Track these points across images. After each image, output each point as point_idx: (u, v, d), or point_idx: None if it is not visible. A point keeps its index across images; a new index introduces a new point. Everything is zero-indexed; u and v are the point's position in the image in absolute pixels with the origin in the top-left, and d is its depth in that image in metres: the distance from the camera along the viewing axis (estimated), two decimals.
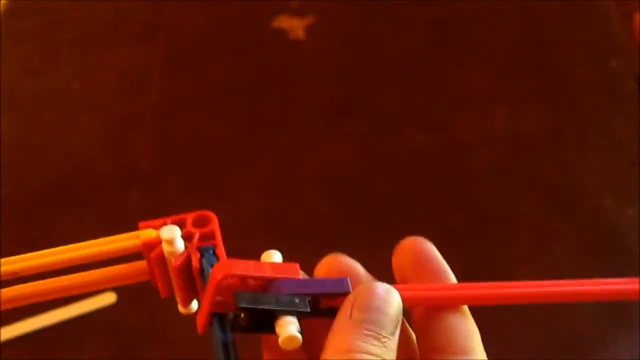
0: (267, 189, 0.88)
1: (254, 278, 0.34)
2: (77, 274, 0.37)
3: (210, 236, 0.37)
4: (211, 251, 0.37)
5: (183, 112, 0.95)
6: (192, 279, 0.36)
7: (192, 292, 0.36)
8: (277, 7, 1.07)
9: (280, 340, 0.32)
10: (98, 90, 0.99)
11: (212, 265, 0.35)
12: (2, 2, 1.09)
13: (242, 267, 0.34)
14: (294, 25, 1.06)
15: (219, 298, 0.34)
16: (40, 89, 1.00)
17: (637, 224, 0.83)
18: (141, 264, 0.38)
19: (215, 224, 0.38)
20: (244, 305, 0.32)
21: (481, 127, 0.94)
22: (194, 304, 0.37)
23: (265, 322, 0.33)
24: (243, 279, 0.34)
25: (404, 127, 0.94)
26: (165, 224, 0.37)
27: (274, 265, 0.36)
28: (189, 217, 0.38)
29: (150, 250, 0.37)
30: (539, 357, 0.72)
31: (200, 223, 0.38)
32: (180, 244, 0.36)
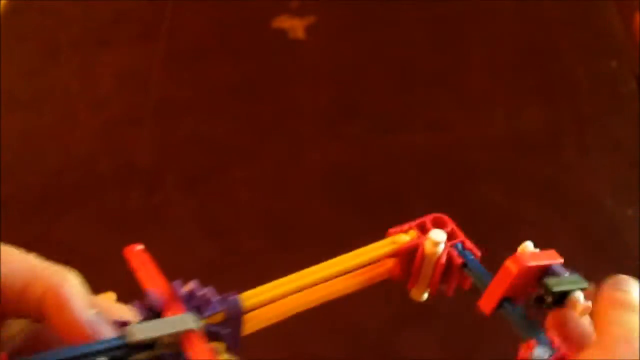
0: (267, 189, 0.88)
1: (539, 267, 0.42)
2: (330, 282, 0.43)
3: (453, 235, 0.45)
4: (461, 246, 0.45)
5: (183, 112, 0.95)
6: (448, 272, 0.44)
7: (442, 283, 0.44)
8: (277, 7, 1.08)
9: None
10: (98, 90, 0.99)
11: (470, 259, 0.44)
12: (2, 1, 1.09)
13: (530, 259, 0.42)
14: (294, 25, 1.06)
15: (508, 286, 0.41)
16: (40, 89, 1.00)
17: (637, 224, 0.83)
18: (382, 266, 0.45)
19: (453, 224, 0.46)
20: (557, 289, 0.41)
21: (481, 126, 0.94)
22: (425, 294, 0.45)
23: (560, 299, 0.41)
24: (529, 268, 0.41)
25: (404, 127, 0.94)
26: (410, 229, 0.45)
27: (540, 254, 0.43)
28: (428, 220, 0.45)
29: (409, 251, 0.44)
30: None
31: (439, 225, 0.45)
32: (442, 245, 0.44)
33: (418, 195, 0.87)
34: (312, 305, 0.43)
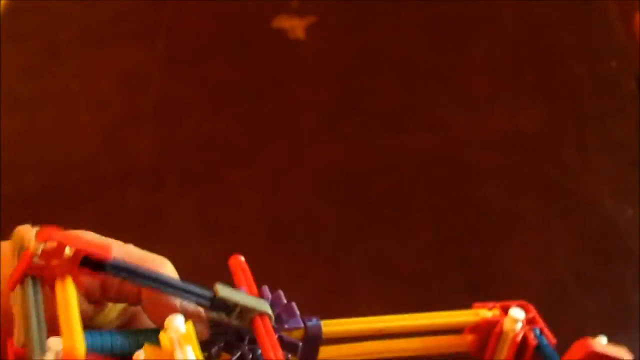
0: (267, 189, 0.88)
1: (606, 356, 0.45)
2: (408, 339, 0.46)
3: (534, 321, 0.48)
4: (538, 331, 0.47)
5: (183, 112, 0.95)
6: (521, 353, 0.47)
7: None
8: (277, 7, 1.08)
9: None
10: (98, 90, 0.99)
11: (544, 344, 0.47)
12: (2, 1, 1.09)
13: (598, 346, 0.45)
14: (294, 25, 1.06)
15: None
16: (40, 89, 1.00)
17: (637, 224, 0.83)
18: (462, 339, 0.48)
19: (535, 312, 0.48)
20: None
21: (481, 126, 0.94)
22: None
23: None
24: (595, 354, 0.44)
25: (404, 127, 0.94)
26: (494, 307, 0.48)
27: (609, 347, 0.46)
28: (512, 304, 0.48)
29: (489, 326, 0.47)
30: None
31: (523, 307, 0.48)
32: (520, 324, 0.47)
33: (418, 195, 0.87)
34: (386, 356, 0.45)
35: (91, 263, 0.37)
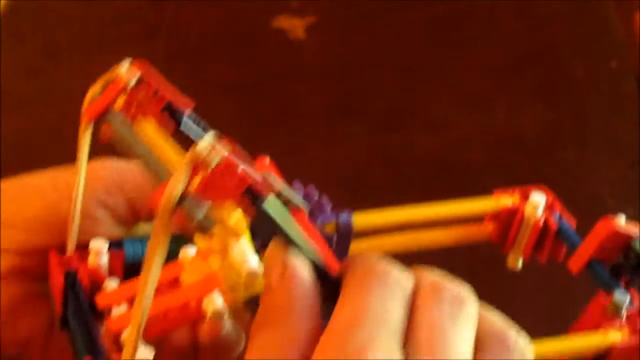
0: None
1: (627, 235, 0.46)
2: (431, 232, 0.47)
3: (553, 206, 0.48)
4: (558, 216, 0.48)
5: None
6: (543, 239, 0.47)
7: (535, 248, 0.47)
8: (277, 7, 1.08)
9: None
10: None
11: (566, 227, 0.47)
12: (2, 2, 1.09)
13: (621, 226, 0.46)
14: (294, 25, 1.06)
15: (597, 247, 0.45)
16: (40, 89, 1.00)
17: (637, 224, 0.83)
18: (483, 228, 0.48)
19: (553, 197, 0.49)
20: None
21: (481, 126, 0.94)
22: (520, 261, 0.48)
23: None
24: (617, 233, 0.45)
25: (404, 127, 0.94)
26: (514, 193, 0.48)
27: (630, 226, 0.47)
28: (530, 189, 0.48)
29: (510, 213, 0.47)
30: None
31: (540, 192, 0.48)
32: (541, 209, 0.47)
33: (418, 194, 0.87)
34: (413, 247, 0.47)
35: (171, 111, 0.38)
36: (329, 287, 0.33)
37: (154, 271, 0.31)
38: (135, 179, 0.43)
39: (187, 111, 0.38)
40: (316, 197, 0.43)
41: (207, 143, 0.32)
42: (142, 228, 0.45)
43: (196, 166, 0.31)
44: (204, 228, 0.30)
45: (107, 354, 0.37)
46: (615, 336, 0.41)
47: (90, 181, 0.41)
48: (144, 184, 0.43)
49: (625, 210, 0.84)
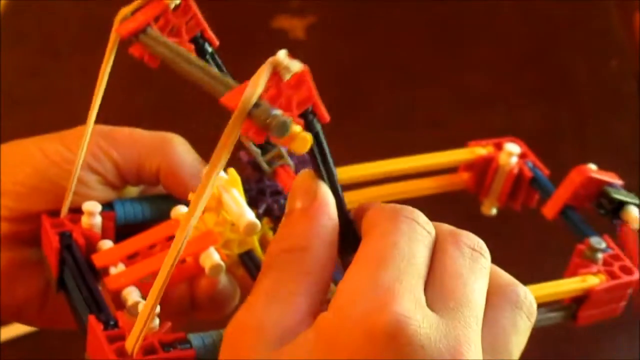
0: None
1: (600, 181, 0.46)
2: (410, 182, 0.49)
3: (526, 155, 0.50)
4: (531, 164, 0.49)
5: (183, 112, 0.95)
6: (517, 187, 0.48)
7: (509, 196, 0.49)
8: (277, 7, 1.08)
9: None
10: None
11: (539, 175, 0.48)
12: (2, 2, 1.09)
13: (594, 172, 0.46)
14: (294, 25, 1.06)
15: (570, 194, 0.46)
16: (40, 89, 1.00)
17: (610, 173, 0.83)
18: (458, 177, 0.50)
19: (526, 146, 0.51)
20: (616, 196, 0.45)
21: (481, 126, 0.94)
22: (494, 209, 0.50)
23: (616, 210, 0.46)
24: (591, 179, 0.46)
25: (404, 127, 0.94)
26: (488, 145, 0.50)
27: (602, 172, 0.47)
28: (503, 141, 0.51)
29: (484, 163, 0.49)
30: (538, 357, 0.72)
31: (513, 142, 0.50)
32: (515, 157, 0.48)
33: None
34: (393, 198, 0.48)
35: (198, 44, 0.40)
36: (346, 232, 0.34)
37: (218, 170, 0.32)
38: (120, 142, 0.44)
39: (211, 49, 0.39)
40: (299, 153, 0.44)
41: (285, 54, 0.33)
42: (130, 191, 0.46)
43: (275, 72, 0.32)
44: (285, 125, 0.30)
45: (109, 310, 0.37)
46: (592, 280, 0.43)
47: (77, 148, 0.41)
48: (129, 147, 0.44)
49: None
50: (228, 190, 0.39)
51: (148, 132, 0.45)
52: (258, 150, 0.41)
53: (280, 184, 0.41)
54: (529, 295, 0.33)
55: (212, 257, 0.37)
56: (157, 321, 0.35)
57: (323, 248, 0.32)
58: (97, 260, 0.40)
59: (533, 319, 0.33)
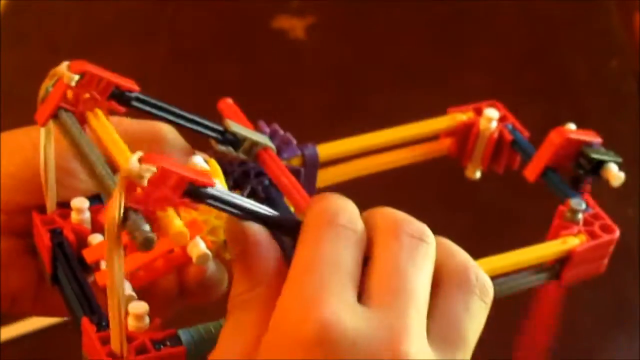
0: None
1: (580, 141, 0.46)
2: (393, 151, 0.50)
3: (505, 119, 0.51)
4: (511, 127, 0.50)
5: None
6: (499, 150, 0.50)
7: (492, 160, 0.50)
8: (277, 7, 1.08)
9: None
10: None
11: (519, 138, 0.49)
12: (2, 2, 1.09)
13: (572, 133, 0.46)
14: (294, 25, 1.06)
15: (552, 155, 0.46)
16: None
17: (637, 224, 0.83)
18: (441, 144, 0.51)
19: (505, 110, 0.51)
20: (595, 156, 0.46)
21: None
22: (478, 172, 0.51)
23: (596, 169, 0.46)
24: (570, 140, 0.46)
25: None
26: (467, 110, 0.51)
27: (581, 132, 0.47)
28: (483, 105, 0.51)
29: (465, 129, 0.50)
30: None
31: (493, 107, 0.51)
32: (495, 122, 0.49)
33: (418, 194, 0.87)
34: (377, 169, 0.50)
35: (119, 97, 0.39)
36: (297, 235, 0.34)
37: (117, 283, 0.33)
38: None
39: (135, 91, 0.39)
40: (281, 134, 0.45)
41: (135, 160, 0.32)
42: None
43: (130, 184, 0.32)
44: (149, 242, 0.31)
45: (102, 309, 0.38)
46: (573, 241, 0.44)
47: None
48: (120, 138, 0.44)
49: (625, 210, 0.85)
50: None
51: (137, 120, 0.44)
52: (229, 149, 0.42)
53: (263, 167, 0.42)
54: (480, 276, 0.33)
55: (199, 246, 0.37)
56: (147, 319, 0.36)
57: (274, 278, 0.33)
58: (88, 255, 0.41)
59: (488, 299, 0.33)
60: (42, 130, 0.40)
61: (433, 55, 1.03)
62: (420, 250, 0.32)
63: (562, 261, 0.44)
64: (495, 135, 0.50)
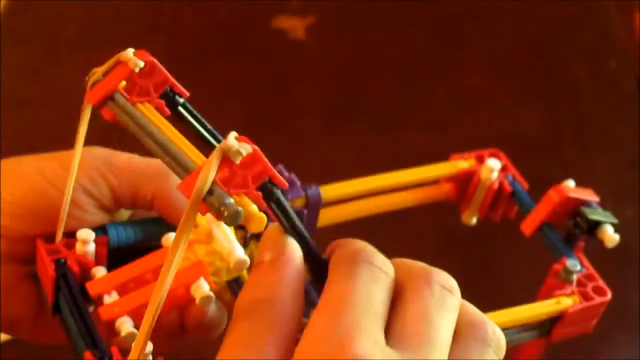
0: None
1: (578, 200, 0.47)
2: (394, 194, 0.51)
3: (506, 169, 0.51)
4: (511, 178, 0.50)
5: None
6: (497, 199, 0.50)
7: (489, 208, 0.50)
8: (277, 7, 1.08)
9: None
10: None
11: (518, 189, 0.50)
12: (2, 2, 1.09)
13: (571, 191, 0.47)
14: (294, 25, 1.06)
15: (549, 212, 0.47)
16: (40, 89, 1.00)
17: (636, 224, 0.83)
18: (440, 188, 0.51)
19: (507, 159, 0.52)
20: (592, 217, 0.46)
21: (481, 127, 0.94)
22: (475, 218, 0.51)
23: (592, 229, 0.47)
24: (569, 199, 0.47)
25: (404, 127, 0.94)
26: (470, 157, 0.51)
27: (579, 190, 0.48)
28: (485, 153, 0.52)
29: (466, 176, 0.50)
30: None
31: (495, 156, 0.52)
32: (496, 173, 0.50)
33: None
34: (377, 211, 0.51)
35: (169, 98, 0.40)
36: (319, 269, 0.35)
37: (177, 258, 0.32)
38: (118, 168, 0.45)
39: (182, 99, 0.39)
40: (286, 175, 0.45)
41: (234, 137, 0.33)
42: (123, 214, 0.47)
43: (225, 158, 0.32)
44: (237, 214, 0.31)
45: (104, 343, 0.38)
46: (566, 302, 0.45)
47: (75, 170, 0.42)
48: (127, 173, 0.45)
49: (625, 210, 0.85)
50: (218, 224, 0.40)
51: (145, 158, 0.45)
52: None
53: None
54: (497, 332, 0.34)
55: (203, 288, 0.38)
56: (150, 358, 0.36)
57: (291, 299, 0.34)
58: (92, 288, 0.41)
59: (501, 354, 0.34)
60: (85, 112, 0.40)
61: (433, 55, 1.03)
62: (449, 301, 0.34)
63: (553, 320, 0.46)
64: (495, 185, 0.51)
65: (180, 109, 0.40)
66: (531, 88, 0.99)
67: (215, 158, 0.32)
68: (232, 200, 0.31)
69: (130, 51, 0.39)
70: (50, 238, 0.43)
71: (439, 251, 0.80)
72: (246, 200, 0.32)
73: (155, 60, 0.39)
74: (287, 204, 0.34)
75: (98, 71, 0.40)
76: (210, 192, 0.31)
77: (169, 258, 0.31)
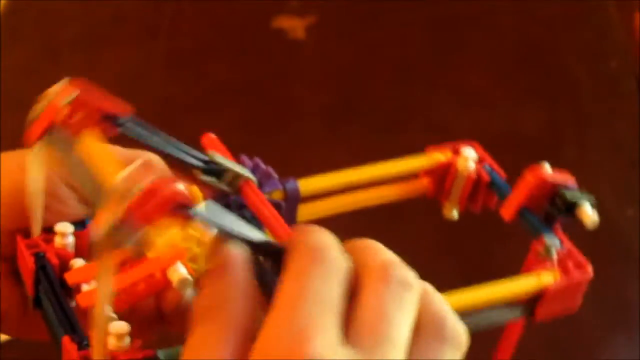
0: None
1: (555, 183, 0.48)
2: (371, 190, 0.50)
3: (483, 159, 0.51)
4: (489, 167, 0.51)
5: (183, 112, 0.95)
6: (476, 190, 0.50)
7: (469, 199, 0.50)
8: (277, 7, 1.08)
9: None
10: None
11: (496, 178, 0.50)
12: (2, 1, 1.09)
13: (548, 174, 0.48)
14: (294, 25, 1.06)
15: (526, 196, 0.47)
16: (40, 89, 0.99)
17: (637, 224, 0.83)
18: (418, 183, 0.51)
19: (482, 150, 0.52)
20: (570, 198, 0.47)
21: (481, 127, 0.94)
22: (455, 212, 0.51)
23: (570, 209, 0.48)
24: (546, 181, 0.47)
25: (404, 127, 0.94)
26: (446, 150, 0.51)
27: (556, 174, 0.49)
28: (461, 145, 0.52)
29: (443, 168, 0.50)
30: (538, 358, 0.72)
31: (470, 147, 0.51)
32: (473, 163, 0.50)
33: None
34: (356, 206, 0.50)
35: (111, 118, 0.39)
36: (279, 258, 0.35)
37: (105, 296, 0.33)
38: None
39: (127, 116, 0.39)
40: (263, 167, 0.45)
41: (126, 173, 0.33)
42: None
43: (121, 197, 0.32)
44: (139, 252, 0.31)
45: (82, 328, 0.39)
46: (547, 278, 0.44)
47: (55, 164, 0.42)
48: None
49: (625, 210, 0.85)
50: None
51: (125, 149, 0.45)
52: (212, 179, 0.42)
53: (245, 199, 0.43)
54: (457, 326, 0.34)
55: (179, 271, 0.38)
56: (127, 339, 0.36)
57: (242, 299, 0.33)
58: (70, 278, 0.41)
59: (462, 348, 0.33)
60: (32, 151, 0.40)
61: (433, 55, 1.03)
62: (407, 298, 0.33)
63: (536, 298, 0.45)
64: (473, 175, 0.50)
65: (123, 129, 0.40)
66: (531, 88, 0.99)
67: (109, 203, 0.32)
68: (135, 236, 0.32)
69: (56, 87, 0.40)
70: (30, 233, 0.43)
71: (439, 251, 0.80)
72: (157, 232, 0.33)
73: (86, 89, 0.39)
74: (207, 213, 0.34)
75: (36, 109, 0.40)
76: (115, 230, 0.32)
77: (98, 297, 0.33)
